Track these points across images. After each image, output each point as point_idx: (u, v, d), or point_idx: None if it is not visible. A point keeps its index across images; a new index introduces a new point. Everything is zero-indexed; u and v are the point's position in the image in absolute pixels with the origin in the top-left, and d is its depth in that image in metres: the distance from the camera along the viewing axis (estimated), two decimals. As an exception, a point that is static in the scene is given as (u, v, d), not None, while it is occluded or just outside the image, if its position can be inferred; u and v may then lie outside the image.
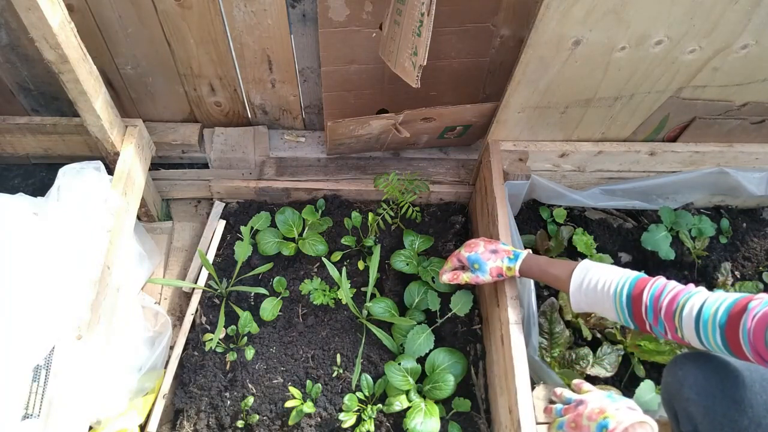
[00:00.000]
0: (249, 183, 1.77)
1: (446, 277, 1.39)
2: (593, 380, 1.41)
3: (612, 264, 1.58)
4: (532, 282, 1.39)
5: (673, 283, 1.00)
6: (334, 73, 1.55)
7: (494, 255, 1.29)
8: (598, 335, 1.50)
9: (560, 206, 1.73)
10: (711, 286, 1.63)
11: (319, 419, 1.44)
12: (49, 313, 1.19)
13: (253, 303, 1.64)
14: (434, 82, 1.62)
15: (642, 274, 1.05)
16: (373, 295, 1.61)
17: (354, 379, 1.48)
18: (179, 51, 1.53)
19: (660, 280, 1.01)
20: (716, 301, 0.91)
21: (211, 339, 1.52)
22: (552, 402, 1.21)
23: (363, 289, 1.63)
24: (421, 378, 1.47)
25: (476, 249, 1.32)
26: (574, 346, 1.46)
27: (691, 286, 0.98)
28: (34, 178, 1.78)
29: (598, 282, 1.07)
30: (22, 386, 1.12)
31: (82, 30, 1.23)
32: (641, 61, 1.28)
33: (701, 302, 0.92)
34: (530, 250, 1.29)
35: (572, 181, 1.69)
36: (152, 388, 1.45)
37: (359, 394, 1.45)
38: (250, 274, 1.64)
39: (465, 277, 1.34)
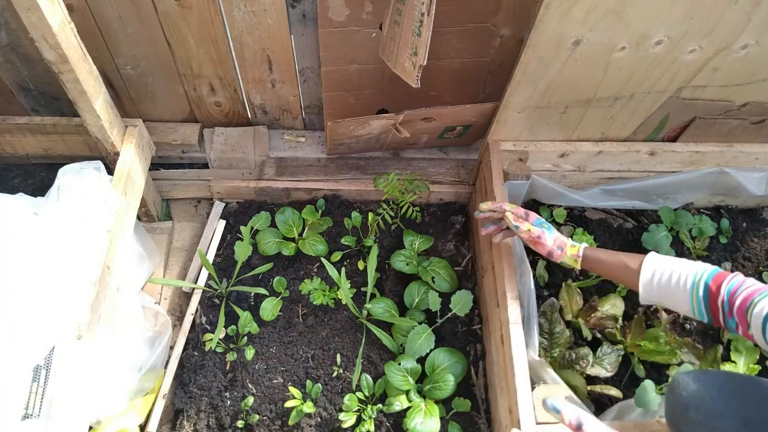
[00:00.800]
0: (249, 183, 1.77)
1: (510, 217, 1.29)
2: (593, 380, 1.41)
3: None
4: (532, 282, 1.39)
5: (751, 280, 1.00)
6: (334, 73, 1.55)
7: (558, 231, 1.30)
8: (598, 335, 1.50)
9: (560, 206, 1.73)
10: (711, 286, 1.63)
11: (319, 419, 1.44)
12: (49, 313, 1.19)
13: (253, 303, 1.64)
14: (434, 82, 1.62)
15: (718, 268, 1.05)
16: (373, 295, 1.61)
17: (354, 379, 1.48)
18: (179, 51, 1.54)
19: (738, 276, 1.01)
20: None
21: (211, 339, 1.52)
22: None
23: (363, 289, 1.63)
24: (421, 378, 1.47)
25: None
26: (574, 346, 1.46)
27: None
28: (34, 178, 1.78)
29: (672, 275, 1.07)
30: (22, 386, 1.12)
31: (82, 30, 1.24)
32: (641, 61, 1.28)
33: None
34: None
35: (572, 181, 1.69)
36: (152, 388, 1.46)
37: (359, 394, 1.45)
38: (250, 274, 1.64)
39: (529, 226, 1.28)
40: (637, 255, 1.16)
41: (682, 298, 1.06)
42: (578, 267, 1.26)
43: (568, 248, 1.25)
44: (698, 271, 1.05)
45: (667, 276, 1.08)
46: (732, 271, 1.69)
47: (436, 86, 1.64)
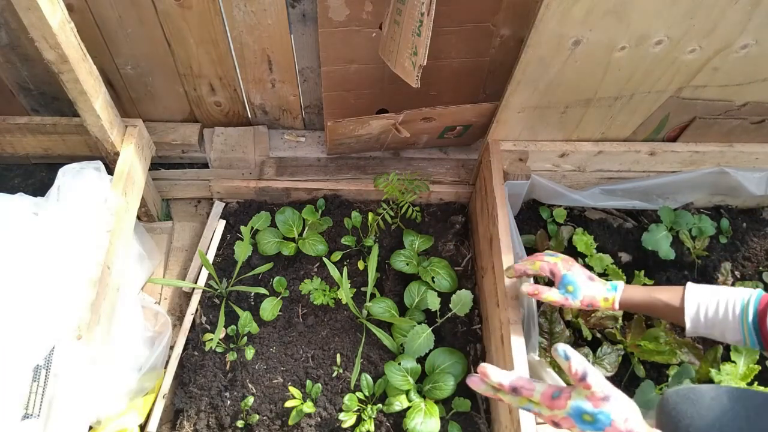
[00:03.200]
0: (249, 183, 1.77)
1: (527, 289, 1.20)
2: (593, 380, 1.41)
3: (612, 263, 1.59)
4: (531, 279, 1.39)
5: None
6: (334, 73, 1.55)
7: (590, 282, 1.17)
8: (598, 335, 1.50)
9: (560, 206, 1.73)
10: (711, 286, 1.63)
11: (319, 419, 1.44)
12: (49, 313, 1.19)
13: (253, 303, 1.64)
14: (434, 82, 1.62)
15: (761, 290, 1.01)
16: (373, 295, 1.61)
17: (352, 378, 1.48)
18: (179, 51, 1.54)
19: None
20: None
21: (211, 339, 1.52)
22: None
23: (363, 289, 1.63)
24: (421, 378, 1.47)
25: (574, 269, 1.19)
26: (574, 346, 1.46)
27: None
28: (34, 178, 1.78)
29: (718, 306, 1.03)
30: (22, 386, 1.12)
31: (82, 30, 1.23)
32: (641, 61, 1.28)
33: None
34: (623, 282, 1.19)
35: (572, 181, 1.69)
36: (152, 388, 1.46)
37: (359, 394, 1.45)
38: (250, 274, 1.64)
39: (550, 297, 1.17)
40: (672, 289, 1.10)
41: (731, 327, 1.01)
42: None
43: (601, 302, 1.15)
44: (744, 297, 1.01)
45: (714, 308, 1.03)
46: (732, 271, 1.70)
47: (436, 86, 1.64)
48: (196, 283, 1.65)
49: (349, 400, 1.41)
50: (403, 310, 1.60)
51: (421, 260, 1.66)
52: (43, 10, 1.06)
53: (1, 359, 1.12)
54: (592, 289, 1.16)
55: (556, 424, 0.89)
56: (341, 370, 1.52)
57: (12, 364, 1.12)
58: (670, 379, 1.38)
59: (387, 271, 1.70)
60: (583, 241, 1.63)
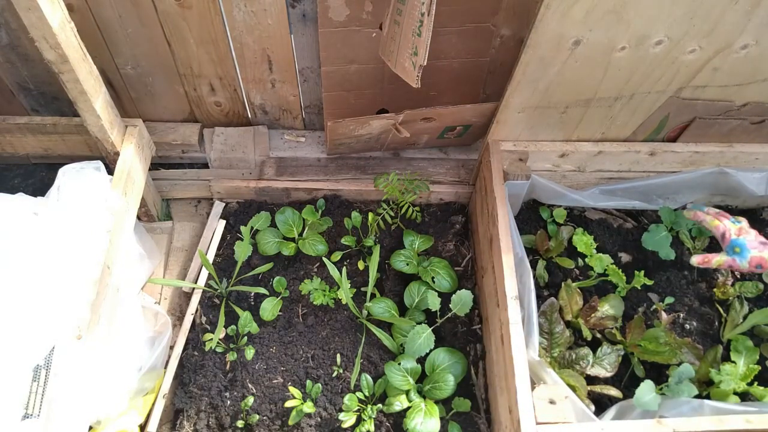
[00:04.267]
0: (249, 183, 1.77)
1: (696, 260, 1.35)
2: (593, 380, 1.41)
3: (612, 264, 1.59)
4: (532, 282, 1.39)
5: None
6: (334, 73, 1.55)
7: (763, 246, 1.27)
8: (598, 335, 1.50)
9: (560, 206, 1.73)
10: (711, 286, 1.63)
11: (319, 419, 1.44)
12: (49, 313, 1.19)
13: (253, 303, 1.64)
14: (434, 82, 1.62)
15: None
16: (373, 295, 1.61)
17: (353, 378, 1.48)
18: (179, 51, 1.54)
19: None
20: None
21: (211, 339, 1.52)
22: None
23: (363, 289, 1.63)
24: (421, 378, 1.47)
25: (746, 235, 1.30)
26: (574, 346, 1.46)
27: None
28: (34, 178, 1.78)
29: None
30: (22, 386, 1.12)
31: (82, 30, 1.24)
32: (641, 61, 1.28)
33: None
34: None
35: (572, 181, 1.69)
36: (152, 388, 1.46)
37: (359, 394, 1.45)
38: (250, 274, 1.64)
39: (719, 261, 1.31)
40: None
41: None
42: None
43: None
44: None
45: None
46: (732, 272, 1.69)
47: (436, 86, 1.65)
48: (196, 283, 1.65)
49: (349, 400, 1.41)
50: (403, 310, 1.60)
51: (421, 260, 1.66)
52: (43, 11, 1.06)
53: (1, 359, 1.12)
54: (763, 252, 1.24)
55: None
56: (341, 370, 1.52)
57: (12, 364, 1.12)
58: (670, 379, 1.38)
59: (387, 271, 1.70)
60: (583, 241, 1.63)
